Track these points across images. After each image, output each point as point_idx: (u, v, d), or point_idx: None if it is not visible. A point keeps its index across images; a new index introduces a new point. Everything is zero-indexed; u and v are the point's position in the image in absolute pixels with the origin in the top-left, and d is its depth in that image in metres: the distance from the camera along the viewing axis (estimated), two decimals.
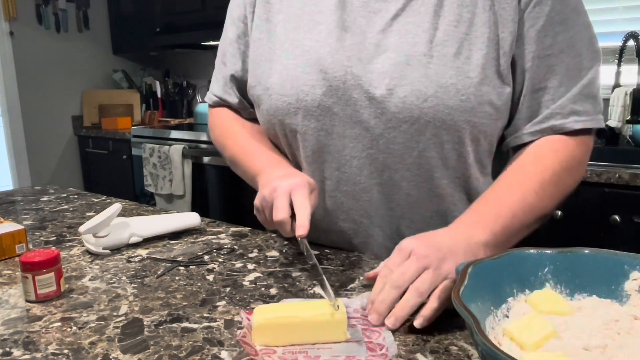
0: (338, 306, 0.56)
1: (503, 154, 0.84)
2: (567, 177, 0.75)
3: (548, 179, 0.73)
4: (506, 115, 0.77)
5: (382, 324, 0.59)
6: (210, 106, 1.01)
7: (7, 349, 0.57)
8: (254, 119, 0.96)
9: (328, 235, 0.86)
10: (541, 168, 0.73)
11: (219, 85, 0.96)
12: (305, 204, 0.68)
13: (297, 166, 0.86)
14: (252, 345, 0.55)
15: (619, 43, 1.98)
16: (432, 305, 0.58)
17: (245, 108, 0.95)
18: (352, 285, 0.72)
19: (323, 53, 0.77)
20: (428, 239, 0.64)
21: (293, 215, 0.69)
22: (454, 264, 0.60)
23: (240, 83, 0.92)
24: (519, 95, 0.77)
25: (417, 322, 0.58)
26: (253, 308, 0.65)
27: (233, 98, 0.94)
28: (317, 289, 0.71)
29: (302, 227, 0.66)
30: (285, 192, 0.70)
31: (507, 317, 0.52)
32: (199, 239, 0.94)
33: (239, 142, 0.91)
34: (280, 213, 0.68)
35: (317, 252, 0.85)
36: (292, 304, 0.61)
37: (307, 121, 0.79)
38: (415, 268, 0.60)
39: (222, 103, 0.96)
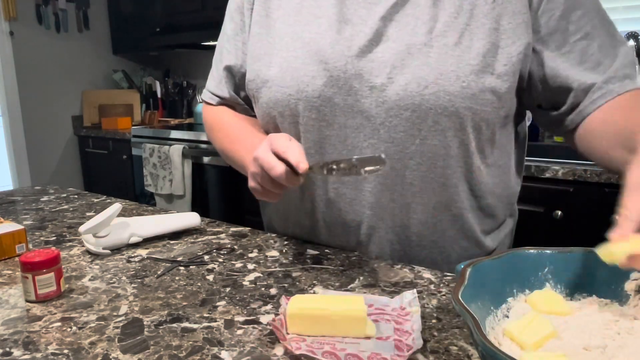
0: (384, 157, 0.59)
1: (520, 139, 0.85)
2: None
3: None
4: (509, 105, 0.77)
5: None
6: (205, 103, 1.02)
7: (7, 349, 0.57)
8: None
9: (332, 229, 0.86)
10: None
11: (214, 82, 0.97)
12: (287, 144, 0.66)
13: None
14: (280, 330, 0.56)
15: None
16: None
17: (238, 104, 0.96)
18: (352, 285, 0.72)
19: (323, 44, 0.78)
20: None
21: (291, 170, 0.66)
22: None
23: (235, 77, 0.93)
24: (530, 75, 0.77)
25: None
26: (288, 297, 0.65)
27: (225, 93, 0.95)
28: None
29: (300, 163, 0.64)
30: (266, 152, 0.68)
31: (507, 317, 0.52)
32: (199, 239, 0.94)
33: (225, 132, 0.92)
34: (276, 169, 0.66)
35: (317, 252, 0.85)
36: (327, 296, 0.62)
37: (307, 112, 0.79)
38: None
39: (215, 99, 0.98)
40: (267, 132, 0.90)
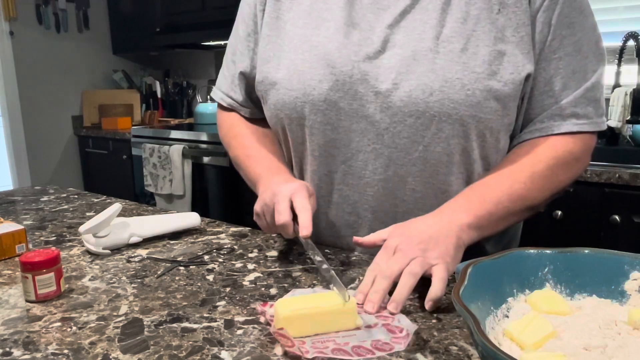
0: (349, 297, 0.59)
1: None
2: (561, 172, 0.77)
3: (539, 172, 0.75)
4: (514, 112, 0.78)
5: (378, 312, 0.62)
6: (219, 105, 1.02)
7: (7, 349, 0.57)
8: (256, 119, 0.97)
9: (333, 229, 0.87)
10: (534, 161, 0.76)
11: (226, 82, 0.97)
12: (306, 206, 0.71)
13: (303, 161, 0.87)
14: (288, 337, 0.55)
15: (619, 43, 1.98)
16: (438, 286, 0.62)
17: (249, 107, 0.97)
18: (352, 286, 0.72)
19: (330, 48, 0.78)
20: (410, 231, 0.68)
21: (294, 218, 0.72)
22: (438, 250, 0.65)
23: (248, 80, 0.94)
24: (523, 96, 0.78)
25: (428, 306, 0.62)
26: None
27: (238, 96, 0.96)
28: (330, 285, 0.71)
29: (305, 228, 0.69)
30: (285, 197, 0.73)
31: (507, 317, 0.52)
32: (199, 239, 0.94)
33: (242, 143, 0.93)
34: (283, 216, 0.71)
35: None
36: (308, 296, 0.62)
37: (313, 115, 0.79)
38: (402, 261, 0.64)
39: (226, 100, 0.98)
40: (275, 134, 0.91)
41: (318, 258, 0.68)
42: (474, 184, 0.77)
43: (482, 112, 0.73)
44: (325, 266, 0.66)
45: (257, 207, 0.78)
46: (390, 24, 0.76)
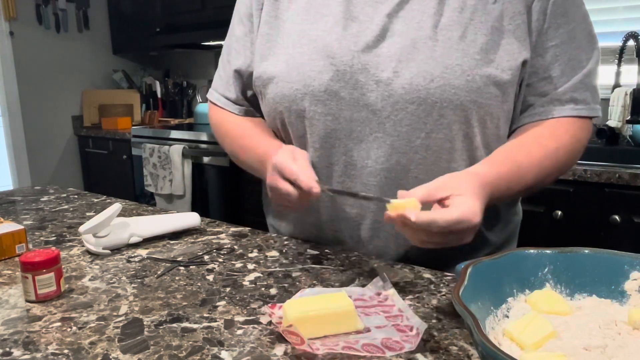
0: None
1: None
2: (571, 157, 0.80)
3: (562, 154, 0.77)
4: (512, 99, 0.79)
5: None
6: (211, 102, 1.02)
7: (7, 349, 0.57)
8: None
9: (335, 223, 0.86)
10: (558, 144, 0.77)
11: (221, 82, 0.98)
12: (294, 169, 0.72)
13: None
14: (298, 334, 0.56)
15: (619, 43, 1.98)
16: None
17: (244, 105, 0.97)
18: (352, 285, 0.72)
19: (329, 40, 0.79)
20: (470, 207, 0.63)
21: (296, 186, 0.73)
22: (473, 235, 0.65)
23: (243, 79, 0.94)
24: (520, 83, 0.79)
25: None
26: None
27: (232, 95, 0.96)
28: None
29: (312, 189, 0.70)
30: (278, 178, 0.73)
31: (507, 317, 0.52)
32: (199, 239, 0.94)
33: (234, 136, 0.94)
34: (292, 197, 0.72)
35: (317, 252, 0.85)
36: (316, 297, 0.62)
37: (314, 106, 0.80)
38: (449, 243, 0.64)
39: (221, 100, 0.98)
40: (273, 129, 0.91)
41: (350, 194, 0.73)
42: (510, 156, 0.75)
43: (483, 98, 0.75)
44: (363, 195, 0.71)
45: (275, 202, 0.78)
46: (389, 13, 0.77)
